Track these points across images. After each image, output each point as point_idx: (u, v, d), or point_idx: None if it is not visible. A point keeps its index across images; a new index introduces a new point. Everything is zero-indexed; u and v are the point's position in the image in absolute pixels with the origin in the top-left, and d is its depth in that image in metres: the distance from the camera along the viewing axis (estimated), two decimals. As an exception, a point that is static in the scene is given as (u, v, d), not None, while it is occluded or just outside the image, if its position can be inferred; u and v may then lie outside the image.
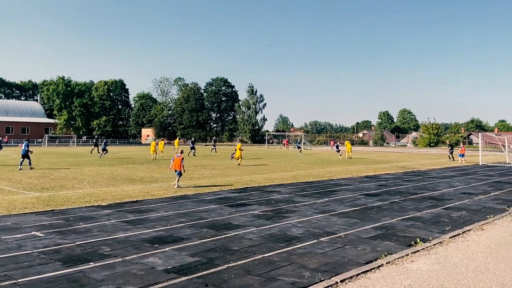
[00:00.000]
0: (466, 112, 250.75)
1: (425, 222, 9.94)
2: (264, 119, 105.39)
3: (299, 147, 50.52)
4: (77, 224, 9.36)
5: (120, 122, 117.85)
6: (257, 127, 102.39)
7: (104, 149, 35.19)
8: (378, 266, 6.48)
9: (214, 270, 6.27)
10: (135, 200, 12.88)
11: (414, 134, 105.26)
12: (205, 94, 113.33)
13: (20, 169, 22.51)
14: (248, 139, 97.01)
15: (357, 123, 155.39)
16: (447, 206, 12.34)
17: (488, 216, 10.68)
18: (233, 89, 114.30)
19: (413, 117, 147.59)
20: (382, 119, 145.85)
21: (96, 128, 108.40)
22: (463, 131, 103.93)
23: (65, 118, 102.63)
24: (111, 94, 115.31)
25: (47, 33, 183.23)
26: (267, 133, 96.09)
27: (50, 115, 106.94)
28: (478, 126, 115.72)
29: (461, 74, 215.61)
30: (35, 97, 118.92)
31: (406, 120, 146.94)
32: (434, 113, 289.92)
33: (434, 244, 7.85)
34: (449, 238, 8.35)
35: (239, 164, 27.15)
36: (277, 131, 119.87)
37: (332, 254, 7.19)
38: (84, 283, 5.67)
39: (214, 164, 28.23)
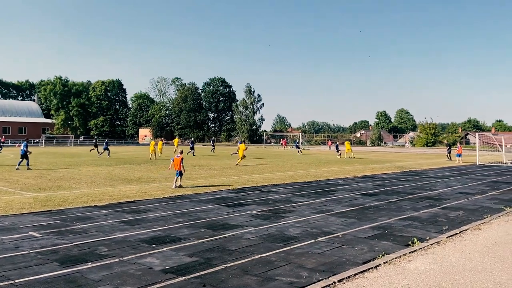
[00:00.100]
0: (463, 112, 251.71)
1: (422, 222, 9.96)
2: (262, 119, 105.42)
3: (298, 147, 49.66)
4: (74, 225, 9.35)
5: (118, 122, 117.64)
6: (254, 127, 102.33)
7: (106, 149, 35.36)
8: (376, 266, 6.49)
9: (211, 270, 6.27)
10: (132, 200, 12.86)
11: (411, 134, 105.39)
12: (202, 94, 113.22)
13: (17, 169, 22.46)
14: (246, 139, 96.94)
15: (355, 123, 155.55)
16: (444, 206, 12.38)
17: (485, 216, 10.71)
18: (231, 89, 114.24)
19: (411, 117, 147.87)
20: (379, 119, 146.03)
21: (94, 128, 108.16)
22: (460, 131, 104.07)
23: (63, 118, 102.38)
24: (109, 94, 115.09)
25: (45, 33, 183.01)
26: (264, 133, 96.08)
27: (47, 115, 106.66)
28: (475, 126, 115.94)
29: (459, 74, 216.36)
30: (32, 97, 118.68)
31: (403, 120, 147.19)
32: (432, 113, 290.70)
33: (432, 244, 7.87)
34: (446, 237, 8.38)
35: (237, 164, 27.17)
36: (275, 131, 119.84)
37: (330, 254, 7.20)
38: (81, 284, 5.66)
39: (212, 164, 28.22)
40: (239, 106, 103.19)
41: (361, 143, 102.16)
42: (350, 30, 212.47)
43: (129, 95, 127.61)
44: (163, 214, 10.69)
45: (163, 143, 41.04)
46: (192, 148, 41.48)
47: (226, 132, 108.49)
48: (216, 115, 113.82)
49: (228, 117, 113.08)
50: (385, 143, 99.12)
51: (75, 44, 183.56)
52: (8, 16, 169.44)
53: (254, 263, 6.62)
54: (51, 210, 11.07)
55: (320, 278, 5.91)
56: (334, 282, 5.77)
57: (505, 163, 31.29)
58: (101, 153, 35.31)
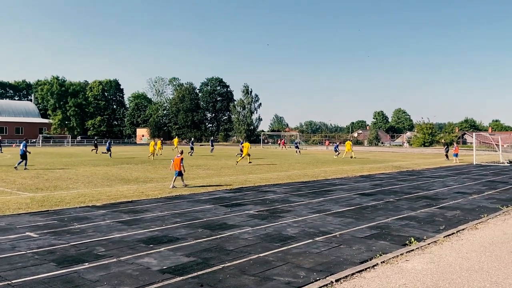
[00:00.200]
0: (460, 112, 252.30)
1: (419, 222, 9.98)
2: (259, 119, 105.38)
3: (297, 147, 49.16)
4: (71, 225, 9.33)
5: (115, 122, 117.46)
6: (252, 127, 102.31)
7: (108, 150, 35.39)
8: (373, 266, 6.50)
9: (209, 270, 6.27)
10: (130, 200, 12.84)
11: (408, 134, 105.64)
12: (200, 94, 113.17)
13: (16, 168, 22.60)
14: (244, 139, 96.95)
15: (352, 123, 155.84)
16: (441, 205, 12.40)
17: (482, 215, 10.74)
18: (228, 89, 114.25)
19: (408, 117, 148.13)
20: (377, 119, 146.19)
21: (91, 128, 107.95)
22: (457, 130, 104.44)
23: (60, 118, 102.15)
24: (106, 94, 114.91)
25: (42, 33, 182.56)
26: (262, 133, 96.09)
27: (44, 115, 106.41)
28: (472, 126, 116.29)
29: (456, 74, 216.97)
30: (29, 97, 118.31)
31: (400, 120, 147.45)
32: (429, 113, 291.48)
33: (429, 244, 7.89)
34: (444, 237, 8.40)
35: (237, 162, 27.62)
36: (272, 131, 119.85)
37: (327, 253, 7.21)
38: (78, 284, 5.65)
39: (209, 164, 28.21)
40: (236, 106, 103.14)
41: (358, 143, 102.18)
42: (347, 30, 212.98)
43: (127, 95, 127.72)
44: (160, 214, 10.68)
45: (161, 143, 41.13)
46: (192, 148, 41.50)
47: (224, 132, 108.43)
48: (213, 115, 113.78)
49: (225, 117, 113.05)
50: (382, 143, 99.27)
51: (72, 44, 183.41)
52: (4, 16, 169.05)
53: (252, 263, 6.62)
54: (48, 210, 11.04)
55: (318, 278, 5.92)
56: (332, 282, 5.77)
57: (502, 163, 31.37)
58: (104, 152, 35.40)
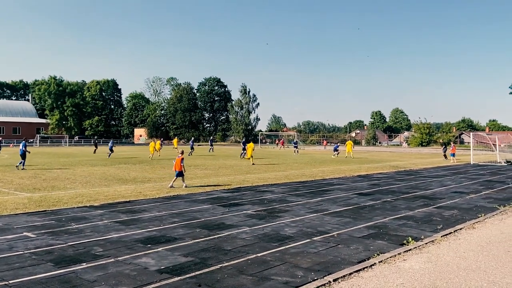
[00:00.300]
0: (457, 112, 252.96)
1: (417, 221, 10.00)
2: (257, 119, 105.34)
3: (296, 147, 49.42)
4: (69, 225, 9.31)
5: (113, 122, 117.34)
6: (250, 127, 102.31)
7: (111, 149, 35.36)
8: (371, 265, 6.51)
9: (207, 270, 6.27)
10: (128, 200, 12.83)
11: (406, 133, 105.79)
12: (198, 94, 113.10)
13: (17, 167, 22.83)
14: (241, 139, 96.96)
15: (350, 122, 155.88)
16: (439, 205, 12.43)
17: (479, 215, 10.77)
18: (226, 89, 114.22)
19: (405, 116, 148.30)
20: (374, 118, 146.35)
21: (88, 128, 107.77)
22: (454, 130, 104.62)
23: (57, 118, 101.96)
24: (104, 94, 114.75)
25: (39, 32, 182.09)
26: (260, 133, 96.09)
27: (41, 115, 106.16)
28: (470, 126, 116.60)
29: (453, 75, 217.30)
30: (27, 97, 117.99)
31: (398, 119, 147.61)
32: (426, 113, 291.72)
33: (426, 243, 7.91)
34: (441, 237, 8.42)
35: (253, 164, 27.88)
36: (270, 131, 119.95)
37: (325, 253, 7.21)
38: (76, 284, 5.64)
39: (207, 164, 28.20)
40: (234, 106, 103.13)
41: (356, 142, 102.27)
42: (345, 30, 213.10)
43: (124, 95, 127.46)
44: (158, 214, 10.67)
45: (161, 144, 41.14)
46: (192, 148, 41.47)
47: (222, 132, 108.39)
48: (211, 115, 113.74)
49: (223, 117, 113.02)
50: (380, 142, 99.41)
51: (70, 44, 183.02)
52: (2, 16, 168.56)
53: (250, 263, 6.63)
54: (45, 211, 11.02)
55: (316, 278, 5.92)
56: (329, 282, 5.78)
57: (499, 163, 31.46)
58: (109, 154, 35.43)
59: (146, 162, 29.97)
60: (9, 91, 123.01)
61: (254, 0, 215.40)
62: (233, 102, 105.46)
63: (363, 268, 6.36)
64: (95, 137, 74.61)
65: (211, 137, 64.78)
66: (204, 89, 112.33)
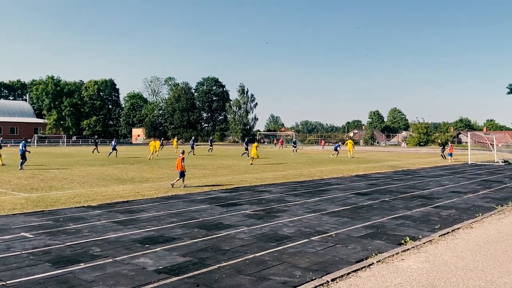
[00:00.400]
0: (455, 112, 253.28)
1: (415, 221, 10.02)
2: (255, 119, 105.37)
3: (294, 146, 49.49)
4: (67, 225, 9.29)
5: (111, 122, 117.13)
6: (248, 126, 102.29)
7: (114, 149, 35.37)
8: (369, 265, 6.52)
9: (205, 270, 6.27)
10: (125, 200, 12.81)
11: (404, 133, 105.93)
12: (196, 94, 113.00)
13: (21, 168, 22.75)
14: (240, 138, 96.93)
15: (348, 122, 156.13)
16: (436, 204, 12.45)
17: (477, 215, 10.79)
18: (224, 89, 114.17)
19: (403, 116, 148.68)
20: (372, 118, 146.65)
21: (86, 128, 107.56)
22: (452, 130, 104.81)
23: (55, 118, 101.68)
24: (101, 93, 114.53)
25: (37, 32, 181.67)
26: (258, 132, 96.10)
27: (39, 115, 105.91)
28: (467, 126, 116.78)
29: (451, 74, 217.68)
30: (24, 97, 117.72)
31: (396, 119, 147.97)
32: (424, 113, 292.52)
33: (424, 243, 7.92)
34: (439, 236, 8.43)
35: (251, 164, 27.74)
36: (268, 130, 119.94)
37: (323, 253, 7.22)
38: (74, 284, 5.63)
39: (205, 164, 28.19)
40: (232, 106, 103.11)
41: (354, 142, 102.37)
42: (345, 30, 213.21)
43: (122, 95, 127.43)
44: (156, 214, 10.66)
45: (161, 144, 41.19)
46: (193, 147, 41.43)
47: (220, 132, 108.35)
48: (209, 114, 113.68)
49: (221, 117, 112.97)
50: (378, 142, 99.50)
51: (68, 43, 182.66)
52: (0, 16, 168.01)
53: (248, 263, 6.63)
54: (43, 211, 10.99)
55: (314, 277, 5.93)
56: (328, 281, 5.78)
57: (496, 162, 31.54)
58: (113, 152, 35.38)
59: (144, 162, 29.92)
60: (6, 91, 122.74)
61: (253, 0, 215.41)
62: (231, 102, 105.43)
63: (361, 268, 6.37)
64: (95, 136, 74.36)
65: (211, 137, 64.73)
66: (202, 89, 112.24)
